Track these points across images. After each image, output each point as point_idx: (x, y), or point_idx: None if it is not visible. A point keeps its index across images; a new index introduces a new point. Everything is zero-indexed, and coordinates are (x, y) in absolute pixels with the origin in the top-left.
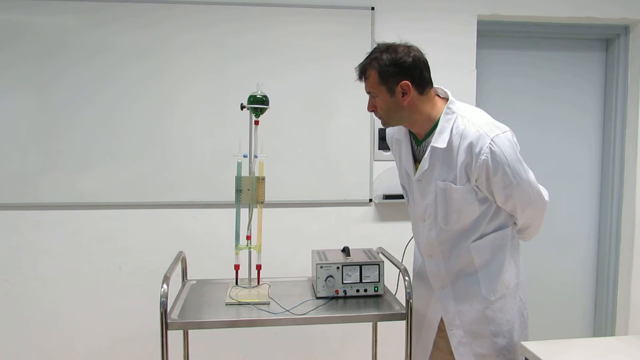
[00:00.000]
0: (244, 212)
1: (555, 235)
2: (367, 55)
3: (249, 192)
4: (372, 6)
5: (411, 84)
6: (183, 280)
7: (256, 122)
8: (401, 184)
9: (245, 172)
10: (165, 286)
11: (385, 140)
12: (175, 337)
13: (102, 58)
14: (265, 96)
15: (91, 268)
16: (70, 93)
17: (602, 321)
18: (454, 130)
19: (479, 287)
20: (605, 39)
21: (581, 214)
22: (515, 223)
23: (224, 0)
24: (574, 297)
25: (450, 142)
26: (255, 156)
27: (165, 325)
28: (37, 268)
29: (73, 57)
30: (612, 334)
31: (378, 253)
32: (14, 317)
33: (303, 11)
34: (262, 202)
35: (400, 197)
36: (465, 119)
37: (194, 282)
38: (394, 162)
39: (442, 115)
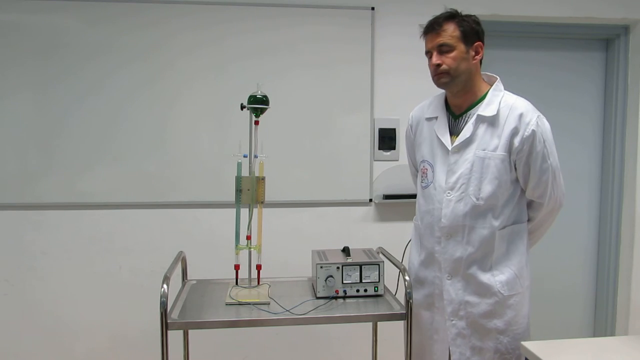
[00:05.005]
0: (244, 212)
1: (555, 235)
2: (438, 15)
3: (249, 192)
4: (372, 6)
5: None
6: (183, 280)
7: (256, 122)
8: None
9: (245, 172)
10: (165, 286)
11: (385, 140)
12: (175, 337)
13: (104, 58)
14: (265, 96)
15: (91, 268)
16: (71, 93)
17: (602, 321)
18: (502, 103)
19: (494, 280)
20: (605, 39)
21: (581, 213)
22: (529, 220)
23: (225, 0)
24: (574, 297)
25: (498, 112)
26: (255, 156)
27: (165, 325)
28: (37, 268)
29: (74, 57)
30: (612, 334)
31: (378, 253)
32: (14, 317)
33: (303, 11)
34: (262, 202)
35: (400, 197)
36: (512, 96)
37: (194, 282)
38: (394, 162)
39: (490, 90)
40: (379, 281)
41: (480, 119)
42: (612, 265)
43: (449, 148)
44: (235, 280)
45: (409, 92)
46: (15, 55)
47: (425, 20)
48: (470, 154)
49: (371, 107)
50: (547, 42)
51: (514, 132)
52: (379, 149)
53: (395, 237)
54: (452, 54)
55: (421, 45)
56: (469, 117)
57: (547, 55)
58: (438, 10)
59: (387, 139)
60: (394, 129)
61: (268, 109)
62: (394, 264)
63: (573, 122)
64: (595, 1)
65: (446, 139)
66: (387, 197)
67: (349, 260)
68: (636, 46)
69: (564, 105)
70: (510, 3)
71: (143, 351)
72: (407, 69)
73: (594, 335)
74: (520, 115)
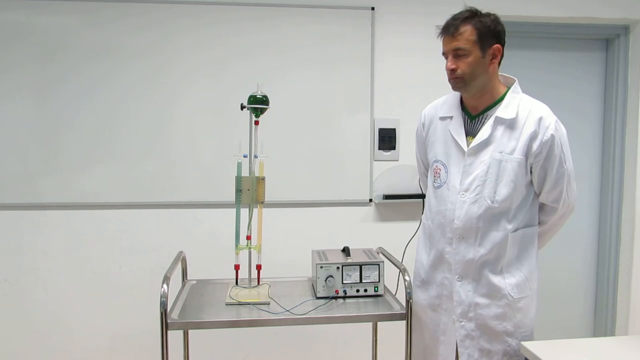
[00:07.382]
0: (244, 212)
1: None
2: (456, 15)
3: (249, 192)
4: (372, 6)
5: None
6: (183, 280)
7: (256, 122)
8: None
9: (245, 172)
10: (165, 286)
11: (385, 140)
12: (175, 337)
13: (104, 58)
14: (265, 96)
15: (91, 268)
16: (72, 93)
17: (602, 321)
18: (520, 106)
19: (504, 283)
20: (605, 39)
21: (581, 213)
22: (539, 224)
23: (225, 0)
24: (574, 297)
25: (517, 114)
26: (255, 156)
27: (165, 325)
28: (37, 268)
29: (74, 58)
30: (612, 334)
31: (378, 253)
32: (14, 317)
33: (303, 11)
34: (262, 202)
35: (400, 197)
36: (531, 99)
37: (194, 282)
38: (394, 162)
39: (509, 92)
40: (379, 281)
41: (499, 121)
42: (612, 265)
43: (465, 149)
44: (235, 280)
45: (409, 92)
46: (15, 56)
47: (424, 19)
48: (486, 155)
49: (371, 107)
50: (547, 42)
51: (533, 136)
52: (379, 149)
53: (395, 237)
54: (468, 59)
55: (421, 45)
56: (486, 119)
57: (547, 55)
58: (438, 11)
59: (387, 139)
60: (394, 129)
61: (268, 109)
62: (394, 264)
63: (573, 122)
64: (595, 1)
65: (462, 139)
66: (387, 197)
67: (349, 260)
68: (636, 46)
69: (564, 105)
70: (511, 3)
71: (143, 351)
72: (407, 68)
73: (594, 335)
74: (540, 119)
